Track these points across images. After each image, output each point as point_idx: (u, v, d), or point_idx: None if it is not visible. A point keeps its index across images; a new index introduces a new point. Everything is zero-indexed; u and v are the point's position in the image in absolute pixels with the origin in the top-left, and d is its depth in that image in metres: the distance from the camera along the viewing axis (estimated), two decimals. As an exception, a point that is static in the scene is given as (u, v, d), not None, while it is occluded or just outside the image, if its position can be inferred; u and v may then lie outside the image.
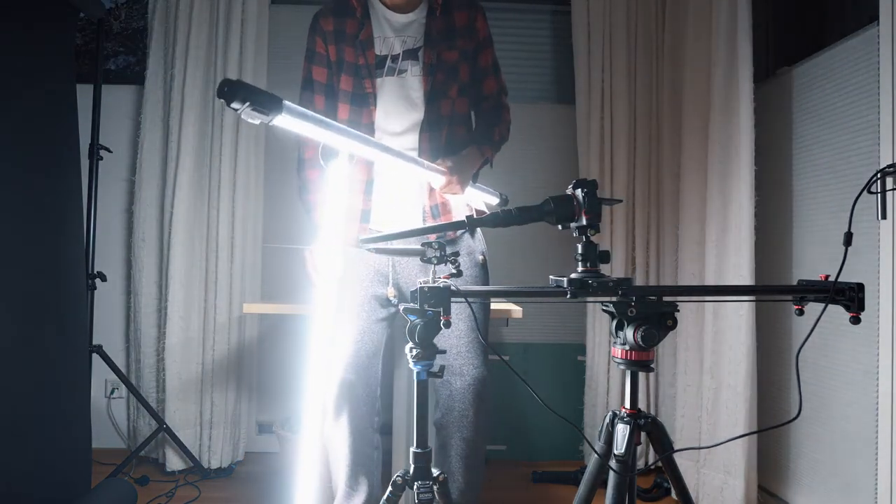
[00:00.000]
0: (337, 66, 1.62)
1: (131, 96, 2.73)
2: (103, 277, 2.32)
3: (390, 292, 1.65)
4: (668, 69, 2.50)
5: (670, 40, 2.50)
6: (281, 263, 2.72)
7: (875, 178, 1.62)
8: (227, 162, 2.53)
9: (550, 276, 1.09)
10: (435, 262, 1.12)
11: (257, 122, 1.01)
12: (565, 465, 2.63)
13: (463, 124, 1.70)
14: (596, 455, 1.14)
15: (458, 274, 1.11)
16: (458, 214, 1.66)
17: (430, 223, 1.63)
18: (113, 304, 2.72)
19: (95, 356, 2.33)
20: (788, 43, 2.59)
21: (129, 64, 2.76)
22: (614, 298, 1.05)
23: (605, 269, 1.07)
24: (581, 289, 1.02)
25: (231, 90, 0.94)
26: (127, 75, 2.75)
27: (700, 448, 2.22)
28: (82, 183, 1.85)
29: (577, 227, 1.06)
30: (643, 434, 1.10)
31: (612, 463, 1.09)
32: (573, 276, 1.05)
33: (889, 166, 1.68)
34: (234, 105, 0.95)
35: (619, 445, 1.08)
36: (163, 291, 2.55)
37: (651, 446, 1.60)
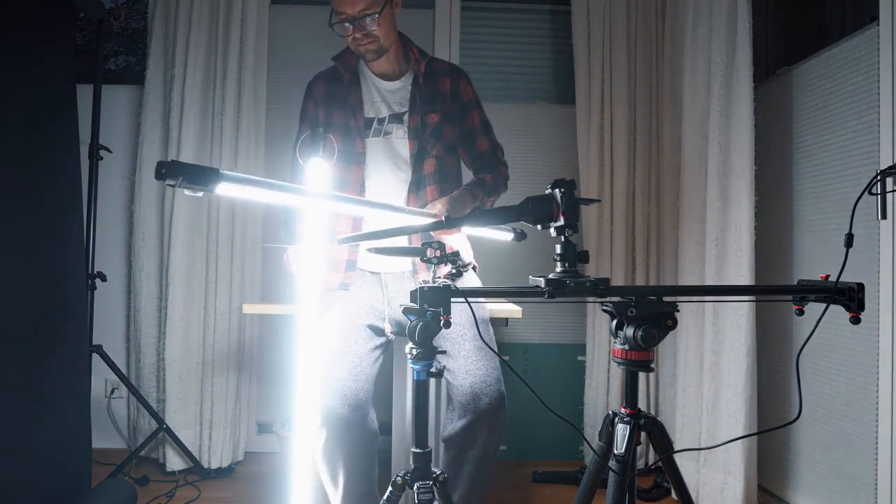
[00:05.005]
0: (327, 127, 1.71)
1: (131, 96, 2.73)
2: (103, 277, 2.32)
3: (387, 328, 1.67)
4: (668, 69, 2.51)
5: (670, 40, 2.50)
6: (281, 264, 2.71)
7: (875, 180, 1.62)
8: (227, 162, 2.53)
9: (530, 276, 1.09)
10: (435, 262, 1.12)
11: (199, 194, 0.99)
12: (565, 465, 2.63)
13: (453, 182, 1.77)
14: (596, 455, 1.14)
15: (458, 274, 1.11)
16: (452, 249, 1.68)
17: (416, 244, 1.66)
18: (113, 304, 2.72)
19: (95, 356, 2.33)
20: (788, 43, 2.59)
21: (129, 64, 2.76)
22: (593, 298, 1.05)
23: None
24: (558, 289, 1.02)
25: (167, 171, 0.92)
26: (127, 75, 2.75)
27: (700, 449, 2.22)
28: (82, 183, 1.85)
29: (556, 228, 1.06)
30: (643, 434, 1.10)
31: (612, 463, 1.09)
32: (551, 276, 1.05)
33: (890, 167, 1.67)
34: (169, 182, 0.93)
35: (619, 445, 1.08)
36: (163, 291, 2.55)
37: (651, 446, 1.60)
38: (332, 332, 1.64)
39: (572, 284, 1.02)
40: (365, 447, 1.61)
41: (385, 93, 1.74)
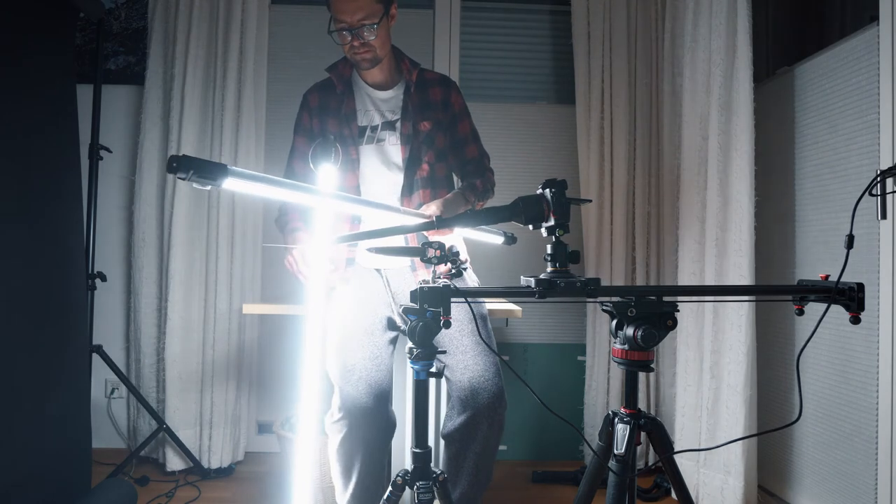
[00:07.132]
0: (321, 136, 1.74)
1: (131, 96, 2.73)
2: (103, 277, 2.32)
3: (397, 321, 1.70)
4: (668, 69, 2.50)
5: (670, 40, 2.50)
6: (281, 263, 2.71)
7: (876, 181, 1.62)
8: (227, 161, 2.53)
9: (521, 277, 1.09)
10: (434, 261, 1.12)
11: (208, 187, 1.05)
12: (565, 465, 2.63)
13: (444, 187, 1.81)
14: (596, 455, 1.14)
15: (458, 274, 1.11)
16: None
17: (414, 244, 1.71)
18: (113, 304, 2.72)
19: (95, 356, 2.33)
20: (788, 43, 2.59)
21: (129, 64, 2.76)
22: (586, 298, 1.05)
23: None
24: (549, 289, 1.02)
25: (179, 164, 0.98)
26: (127, 75, 2.75)
27: (700, 450, 2.22)
28: (82, 183, 1.85)
29: (547, 228, 1.06)
30: (643, 434, 1.10)
31: (612, 463, 1.09)
32: (542, 276, 1.05)
33: (890, 168, 1.67)
34: (181, 175, 0.99)
35: (619, 445, 1.08)
36: (163, 291, 2.55)
37: (651, 446, 1.60)
38: (347, 325, 1.66)
39: (563, 284, 1.02)
40: (383, 439, 1.65)
41: (378, 101, 1.79)
